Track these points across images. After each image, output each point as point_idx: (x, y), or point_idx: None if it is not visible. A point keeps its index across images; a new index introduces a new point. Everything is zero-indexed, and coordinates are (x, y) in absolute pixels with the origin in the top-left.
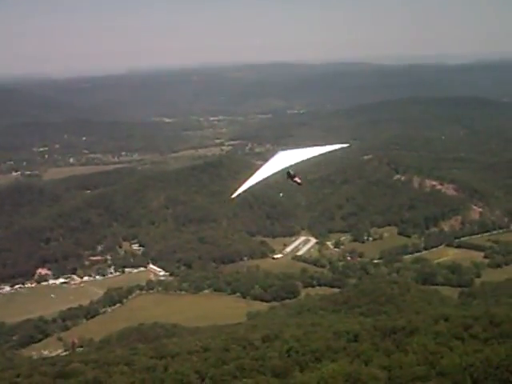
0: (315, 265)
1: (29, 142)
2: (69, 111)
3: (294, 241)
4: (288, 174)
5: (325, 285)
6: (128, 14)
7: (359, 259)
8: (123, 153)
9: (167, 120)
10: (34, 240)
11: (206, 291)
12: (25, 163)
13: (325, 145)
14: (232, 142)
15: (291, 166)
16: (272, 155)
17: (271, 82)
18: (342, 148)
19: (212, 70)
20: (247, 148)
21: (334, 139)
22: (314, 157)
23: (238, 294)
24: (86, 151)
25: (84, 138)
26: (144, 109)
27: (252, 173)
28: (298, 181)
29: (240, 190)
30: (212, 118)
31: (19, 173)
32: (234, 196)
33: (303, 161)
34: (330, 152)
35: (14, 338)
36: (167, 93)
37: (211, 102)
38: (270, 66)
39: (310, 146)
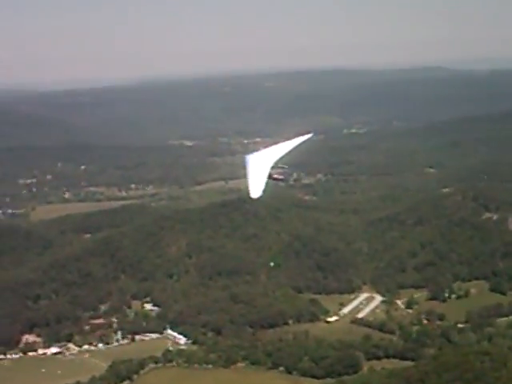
0: (381, 330)
1: (12, 173)
2: (63, 133)
3: (354, 299)
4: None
5: (394, 356)
6: (140, 9)
7: (439, 323)
8: (133, 185)
9: (189, 143)
10: (20, 297)
11: (240, 364)
12: (8, 199)
13: (290, 139)
14: (272, 172)
15: (271, 166)
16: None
17: (322, 93)
18: (307, 139)
19: (245, 80)
20: (292, 178)
21: (404, 167)
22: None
23: (282, 369)
24: (85, 183)
25: (83, 167)
26: (159, 129)
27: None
28: (280, 177)
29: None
30: (246, 141)
31: (0, 211)
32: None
33: (278, 159)
34: (296, 147)
35: None
36: (189, 109)
37: (245, 119)
38: (320, 74)
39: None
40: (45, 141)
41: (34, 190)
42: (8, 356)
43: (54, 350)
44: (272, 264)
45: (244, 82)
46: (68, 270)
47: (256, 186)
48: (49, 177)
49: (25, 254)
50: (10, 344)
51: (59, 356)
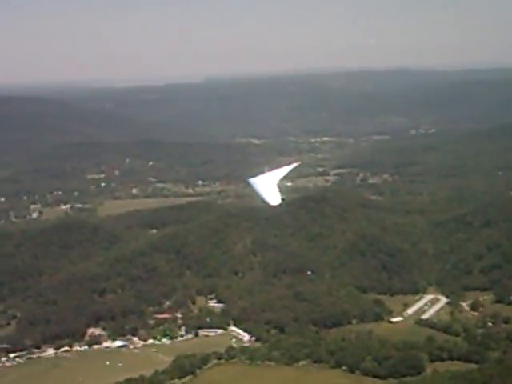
0: (446, 332)
1: (81, 168)
2: (132, 129)
3: (419, 300)
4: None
5: (458, 359)
6: (206, 7)
7: (504, 326)
8: (200, 182)
9: (256, 141)
10: (86, 291)
11: (303, 362)
12: (76, 194)
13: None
14: (339, 171)
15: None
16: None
17: (389, 93)
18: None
19: (312, 78)
20: (358, 178)
21: (471, 169)
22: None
23: (344, 368)
24: (152, 179)
25: (150, 163)
26: (227, 127)
27: None
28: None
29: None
30: (313, 140)
31: (69, 206)
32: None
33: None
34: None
35: None
36: (256, 107)
37: (312, 119)
38: (387, 74)
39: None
40: (113, 137)
41: (102, 185)
42: (73, 348)
43: (118, 343)
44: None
45: (310, 81)
46: (134, 264)
47: (272, 196)
48: (117, 172)
49: (92, 248)
50: (76, 336)
51: (123, 349)
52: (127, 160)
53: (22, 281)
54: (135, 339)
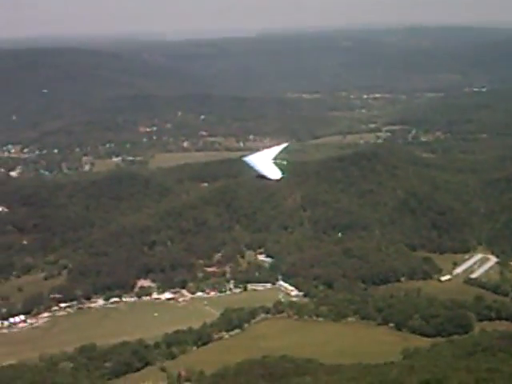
0: (495, 292)
1: (133, 120)
2: (184, 83)
3: (468, 259)
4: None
5: (506, 319)
6: None
7: None
8: (251, 137)
9: (307, 96)
10: (136, 243)
11: (351, 319)
12: (128, 146)
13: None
14: (391, 128)
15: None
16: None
17: (443, 50)
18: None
19: (365, 34)
20: (410, 136)
21: None
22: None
23: (392, 325)
24: (203, 133)
25: (202, 117)
26: (279, 82)
27: None
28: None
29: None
30: (366, 96)
31: (120, 158)
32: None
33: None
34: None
35: (107, 364)
36: (308, 62)
37: (365, 74)
38: (441, 30)
39: None
40: (166, 90)
41: (154, 138)
42: (123, 299)
43: (167, 295)
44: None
45: (363, 37)
46: (184, 217)
47: (272, 171)
48: (169, 125)
49: (143, 200)
50: (126, 288)
51: (172, 302)
52: (179, 113)
53: (74, 232)
54: (184, 292)
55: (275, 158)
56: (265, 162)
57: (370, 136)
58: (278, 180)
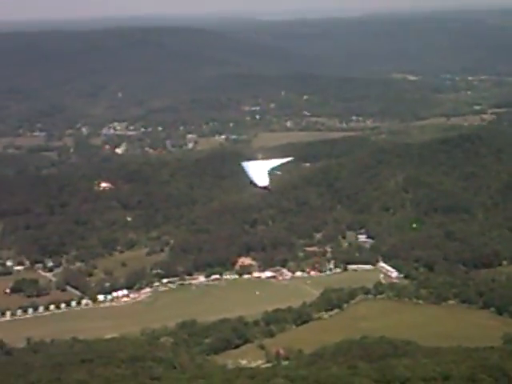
0: None
1: (237, 99)
2: (288, 62)
3: None
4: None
5: None
6: None
7: None
8: (354, 117)
9: (412, 78)
10: (238, 221)
11: (451, 302)
12: (231, 125)
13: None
14: (496, 110)
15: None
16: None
17: None
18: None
19: (469, 15)
20: None
21: None
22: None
23: (493, 309)
24: (306, 113)
25: (305, 97)
26: (383, 62)
27: None
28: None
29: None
30: (471, 78)
31: (224, 137)
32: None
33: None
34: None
35: (207, 340)
36: (413, 43)
37: (470, 56)
38: None
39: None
40: (270, 69)
41: (258, 117)
42: (224, 277)
43: (267, 274)
44: (414, 226)
45: (469, 18)
46: (286, 197)
47: (261, 178)
48: (272, 105)
49: (245, 179)
50: (227, 265)
51: (272, 280)
52: (283, 93)
53: (176, 209)
54: (284, 271)
55: (273, 169)
56: (260, 169)
57: (474, 118)
58: (264, 187)
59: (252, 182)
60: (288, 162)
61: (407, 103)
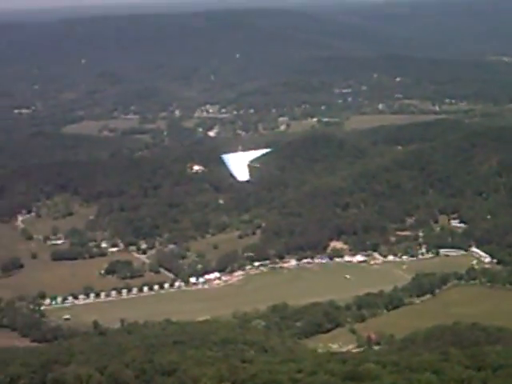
0: None
1: (329, 82)
2: (379, 44)
3: None
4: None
5: None
6: None
7: None
8: (447, 100)
9: (507, 60)
10: (329, 205)
11: None
12: (323, 108)
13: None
14: None
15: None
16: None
17: None
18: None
19: None
20: None
21: None
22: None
23: None
24: (399, 96)
25: (398, 79)
26: (476, 44)
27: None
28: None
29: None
30: None
31: (315, 119)
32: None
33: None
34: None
35: (298, 324)
36: (507, 23)
37: None
38: None
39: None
40: (361, 51)
41: (349, 99)
42: (315, 260)
43: (359, 257)
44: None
45: None
46: (377, 180)
47: (241, 173)
48: (364, 87)
49: (337, 162)
50: (318, 249)
51: (363, 264)
52: (375, 75)
53: (268, 192)
54: (376, 255)
55: (252, 161)
56: (240, 162)
57: None
58: (245, 181)
59: (232, 176)
60: (266, 154)
61: (502, 85)
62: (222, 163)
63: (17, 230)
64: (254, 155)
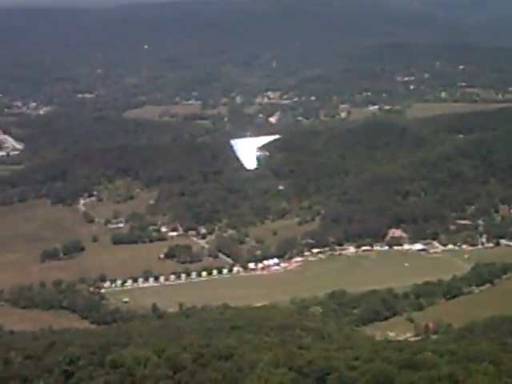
0: None
1: (390, 69)
2: (441, 31)
3: None
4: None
5: None
6: None
7: None
8: (510, 89)
9: None
10: (389, 193)
11: None
12: (384, 95)
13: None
14: None
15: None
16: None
17: None
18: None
19: None
20: None
21: None
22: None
23: None
24: (462, 84)
25: (461, 67)
26: None
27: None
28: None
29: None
30: None
31: (377, 107)
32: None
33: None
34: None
35: (356, 311)
36: None
37: None
38: None
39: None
40: (424, 39)
41: (411, 87)
42: (374, 248)
43: (418, 246)
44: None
45: None
46: (438, 169)
47: (248, 161)
48: (426, 75)
49: (397, 150)
50: (377, 237)
51: (423, 253)
52: (437, 63)
53: (328, 179)
54: (435, 243)
55: (260, 148)
56: (248, 149)
57: None
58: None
59: (240, 162)
60: (275, 140)
61: None
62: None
63: (78, 213)
64: (262, 141)
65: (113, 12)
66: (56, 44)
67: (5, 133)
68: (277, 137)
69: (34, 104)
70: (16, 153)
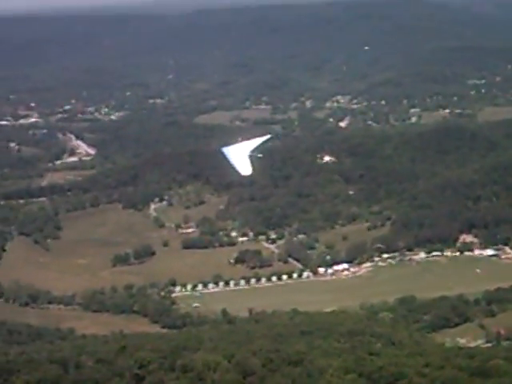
0: None
1: (461, 72)
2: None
3: None
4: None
5: None
6: None
7: None
8: None
9: None
10: (460, 197)
11: None
12: (455, 99)
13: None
14: None
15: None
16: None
17: None
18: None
19: None
20: None
21: None
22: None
23: None
24: None
25: None
26: None
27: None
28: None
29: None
30: None
31: (448, 111)
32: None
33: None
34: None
35: (426, 317)
36: None
37: None
38: None
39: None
40: (495, 42)
41: (483, 91)
42: (445, 253)
43: (489, 251)
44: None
45: None
46: (510, 173)
47: (243, 167)
48: (498, 78)
49: (469, 154)
50: (448, 242)
51: (494, 258)
52: (509, 66)
53: (399, 184)
54: (507, 249)
55: (253, 151)
56: (240, 154)
57: None
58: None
59: (234, 170)
60: (268, 140)
61: None
62: (225, 157)
63: (149, 217)
64: (254, 144)
65: (186, 18)
66: (129, 50)
67: (77, 138)
68: (268, 137)
69: (105, 109)
70: (88, 158)
